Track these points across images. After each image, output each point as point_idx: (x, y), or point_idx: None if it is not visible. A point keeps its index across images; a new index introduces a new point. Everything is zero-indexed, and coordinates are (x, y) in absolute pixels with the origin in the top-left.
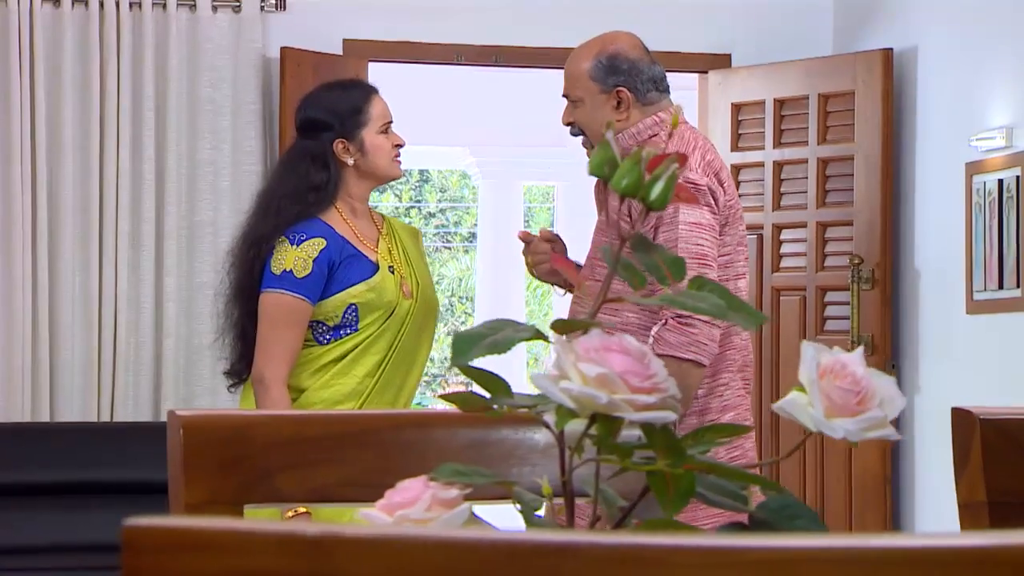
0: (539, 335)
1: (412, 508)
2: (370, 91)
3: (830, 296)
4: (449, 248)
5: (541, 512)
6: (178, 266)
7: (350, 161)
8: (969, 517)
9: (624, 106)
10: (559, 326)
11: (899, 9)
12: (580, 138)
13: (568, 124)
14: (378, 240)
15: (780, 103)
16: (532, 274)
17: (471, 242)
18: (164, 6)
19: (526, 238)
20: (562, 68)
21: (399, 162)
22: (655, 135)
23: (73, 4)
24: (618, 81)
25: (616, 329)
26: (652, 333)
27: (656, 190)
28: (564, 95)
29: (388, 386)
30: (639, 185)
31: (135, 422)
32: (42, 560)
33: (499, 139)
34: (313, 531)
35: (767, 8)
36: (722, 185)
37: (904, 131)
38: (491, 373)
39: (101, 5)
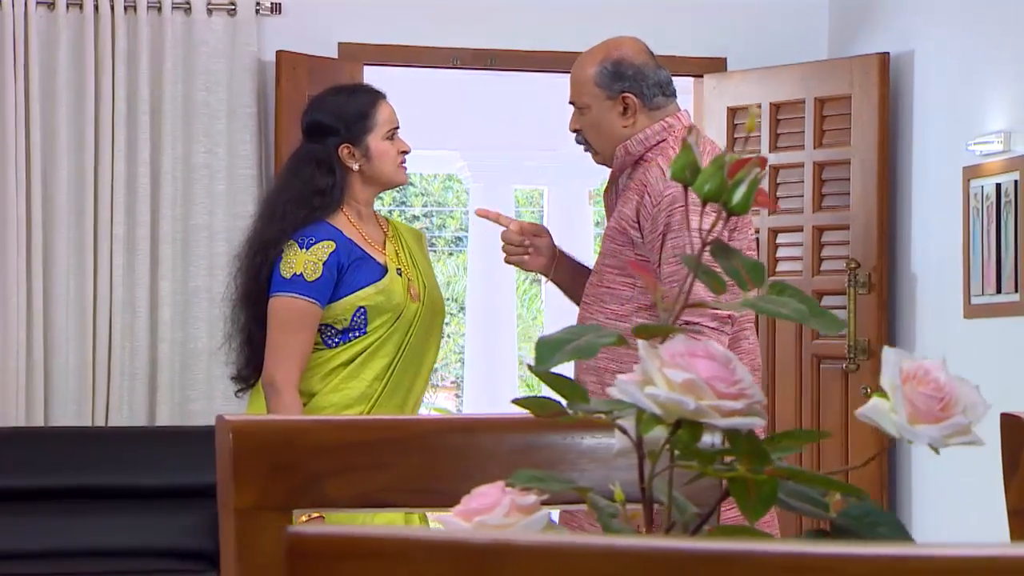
0: (621, 340)
1: (490, 514)
2: (377, 96)
3: (826, 300)
4: (433, 251)
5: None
6: (173, 270)
7: (355, 166)
8: (1019, 524)
9: (630, 112)
10: (641, 332)
11: (895, 14)
12: (584, 145)
13: (575, 131)
14: (384, 243)
15: (776, 107)
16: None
17: (456, 246)
18: (159, 9)
19: (483, 215)
20: (558, 72)
21: (404, 168)
22: (663, 140)
23: (68, 7)
24: (624, 87)
25: (628, 334)
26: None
27: (738, 195)
28: (570, 102)
29: (397, 389)
30: (722, 190)
31: (130, 427)
32: (37, 566)
33: (489, 142)
34: (482, 539)
35: (762, 12)
36: None
37: (900, 135)
38: (568, 379)
39: (96, 8)
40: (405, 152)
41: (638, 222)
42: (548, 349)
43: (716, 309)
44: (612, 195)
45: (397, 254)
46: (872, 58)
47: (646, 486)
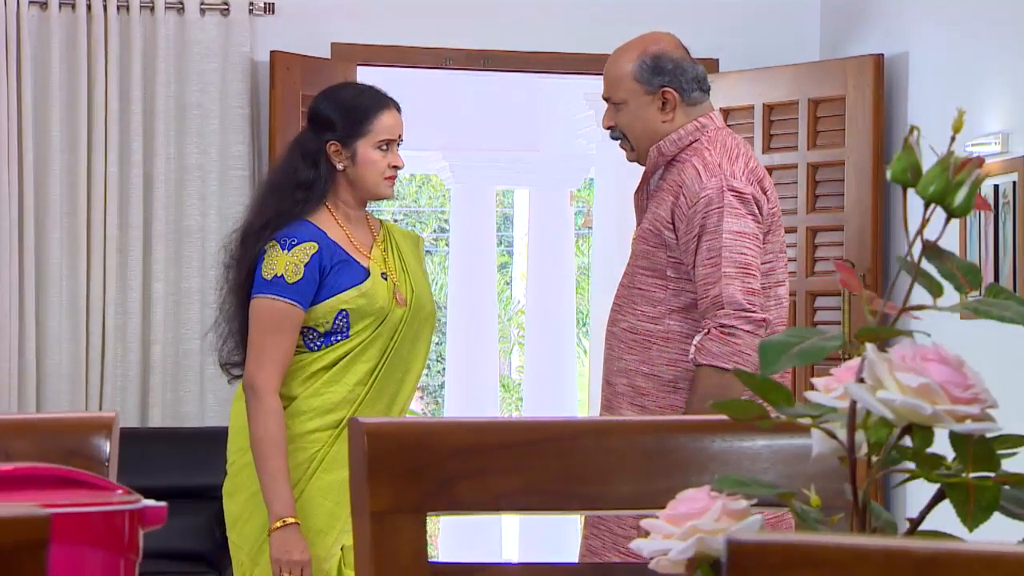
0: (846, 343)
1: (702, 519)
2: (383, 103)
3: (820, 301)
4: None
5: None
6: (166, 272)
7: (340, 166)
8: None
9: (670, 107)
10: (865, 335)
11: (887, 15)
12: (619, 141)
13: (609, 128)
14: (372, 246)
15: (769, 108)
16: None
17: (430, 247)
18: (152, 9)
19: None
20: (551, 72)
21: (390, 182)
22: (696, 140)
23: (60, 6)
24: (663, 81)
25: (659, 338)
26: (694, 342)
27: (960, 196)
28: (605, 98)
29: (381, 395)
30: (947, 191)
31: (122, 428)
32: None
33: (471, 143)
34: (926, 548)
35: (754, 13)
36: (765, 193)
37: (895, 136)
38: (774, 382)
39: (88, 8)
40: (396, 167)
41: (673, 223)
42: (774, 353)
43: (753, 312)
44: (643, 195)
45: (385, 258)
46: (867, 59)
47: (863, 492)
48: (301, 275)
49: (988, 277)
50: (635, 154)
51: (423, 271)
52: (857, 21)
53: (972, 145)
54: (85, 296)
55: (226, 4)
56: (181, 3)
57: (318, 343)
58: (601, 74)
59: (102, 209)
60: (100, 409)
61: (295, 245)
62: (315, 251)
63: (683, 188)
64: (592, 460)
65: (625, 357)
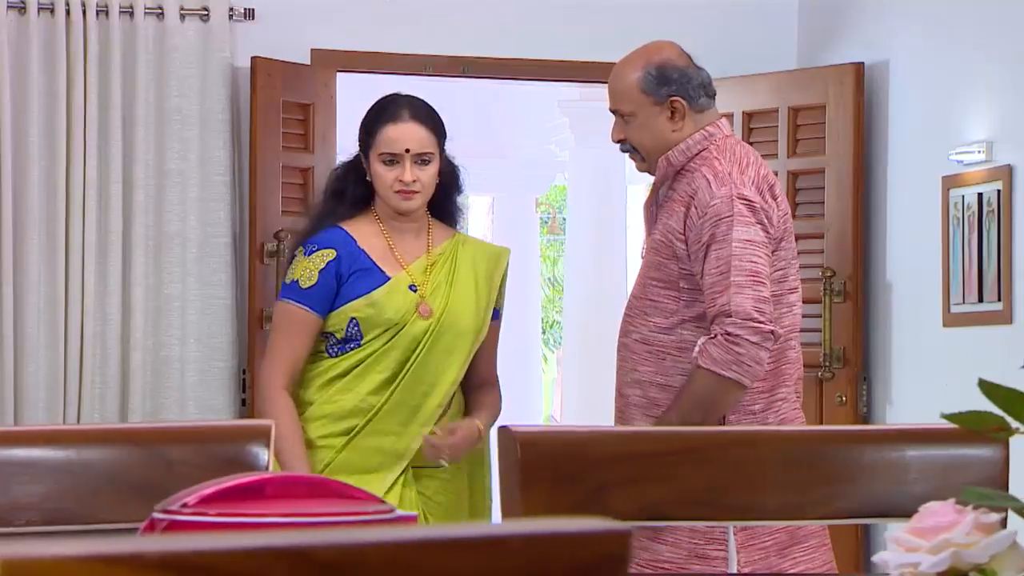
0: None
1: (952, 532)
2: (389, 116)
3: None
4: None
5: None
6: (145, 277)
7: (368, 178)
8: None
9: (679, 115)
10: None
11: (867, 24)
12: (628, 153)
13: (619, 141)
14: (417, 257)
15: (749, 116)
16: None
17: None
18: (131, 14)
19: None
20: (531, 79)
21: (401, 196)
22: (704, 149)
23: (39, 11)
24: (671, 91)
25: (673, 348)
26: (698, 344)
27: None
28: (613, 111)
29: (400, 407)
30: None
31: None
32: None
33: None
34: None
35: (730, 20)
36: (775, 200)
37: (875, 144)
38: (1018, 393)
39: (67, 12)
40: (402, 181)
41: (684, 234)
42: None
43: (761, 324)
44: (652, 207)
45: (429, 271)
46: (847, 68)
47: None
48: (315, 281)
49: (971, 284)
50: (646, 165)
51: (483, 288)
52: (835, 30)
53: (956, 154)
54: (64, 302)
55: (206, 9)
56: (161, 8)
57: (336, 350)
58: (580, 81)
59: (81, 215)
60: (78, 415)
61: (315, 251)
62: (332, 258)
63: (694, 198)
64: (742, 470)
65: (639, 368)
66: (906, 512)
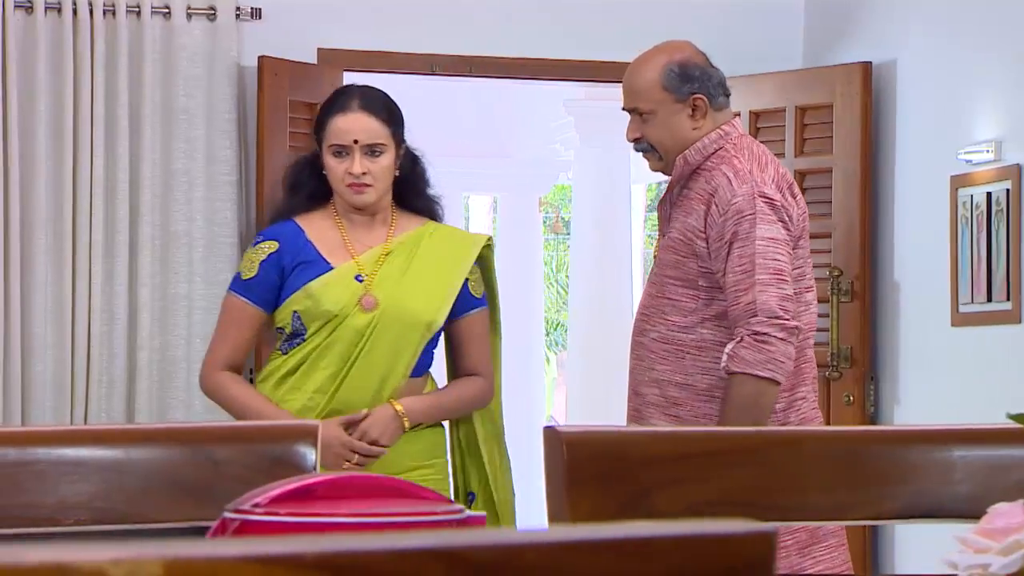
0: None
1: (1023, 533)
2: (339, 107)
3: None
4: None
5: None
6: (152, 277)
7: (324, 171)
8: None
9: (699, 114)
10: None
11: (875, 23)
12: (643, 152)
13: (635, 140)
14: (371, 248)
15: (756, 115)
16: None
17: None
18: (138, 14)
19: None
20: (537, 79)
21: (353, 190)
22: (720, 148)
23: (46, 11)
24: (693, 88)
25: (692, 347)
26: (726, 350)
27: None
28: (630, 109)
29: (350, 405)
30: None
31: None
32: None
33: (440, 149)
34: None
35: (736, 20)
36: (794, 198)
37: (883, 144)
38: None
39: (74, 12)
40: (352, 173)
41: (705, 232)
42: None
43: (786, 320)
44: (667, 206)
45: (380, 262)
46: (854, 67)
47: None
48: (255, 272)
49: (980, 283)
50: (663, 164)
51: (443, 278)
52: (842, 29)
53: (964, 153)
54: (71, 302)
55: (213, 9)
56: (168, 8)
57: (286, 346)
58: (587, 81)
59: (88, 214)
60: (85, 415)
61: (259, 243)
62: (274, 250)
63: (715, 196)
64: (787, 470)
65: (656, 367)
66: (951, 513)
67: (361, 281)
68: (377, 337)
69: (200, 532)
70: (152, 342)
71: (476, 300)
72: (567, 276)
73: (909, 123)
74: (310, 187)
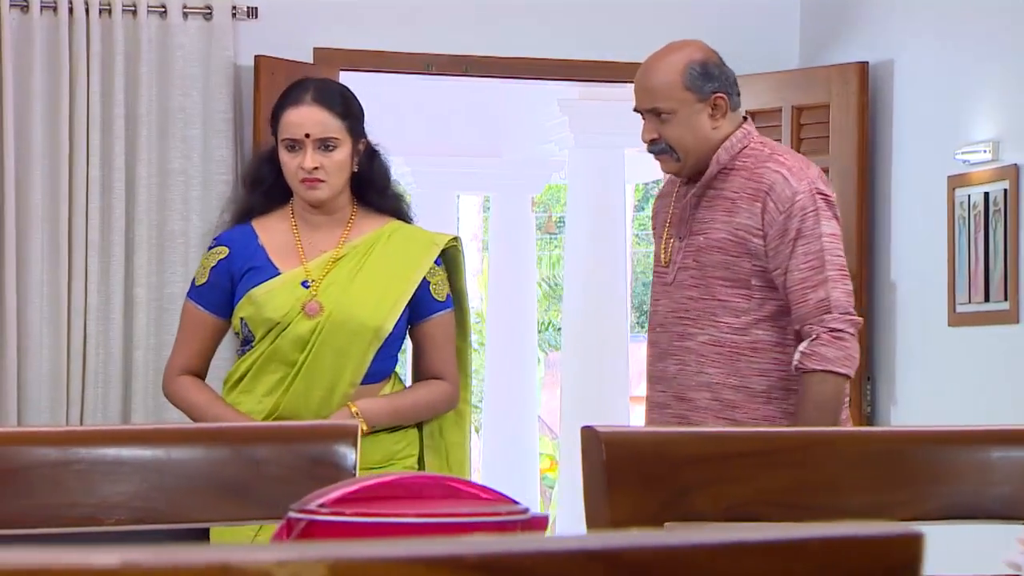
0: None
1: None
2: (291, 100)
3: None
4: None
5: None
6: (148, 277)
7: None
8: None
9: (719, 113)
10: None
11: (871, 23)
12: (659, 154)
13: (651, 140)
14: (324, 253)
15: (752, 115)
16: None
17: None
18: (134, 13)
19: None
20: (533, 78)
21: (306, 185)
22: (746, 146)
23: (42, 10)
24: (715, 87)
25: (747, 349)
26: (802, 348)
27: None
28: (648, 109)
29: (299, 411)
30: None
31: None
32: None
33: (433, 148)
34: None
35: (732, 20)
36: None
37: (880, 144)
38: None
39: (70, 11)
40: (303, 168)
41: (762, 229)
42: None
43: (855, 316)
44: (688, 206)
45: (329, 266)
46: (851, 67)
47: None
48: (207, 279)
49: (977, 283)
50: (680, 165)
51: (398, 281)
52: (838, 29)
53: (962, 153)
54: (67, 301)
55: (209, 8)
56: (164, 7)
57: (241, 351)
58: (583, 80)
59: (84, 214)
60: (81, 415)
61: (213, 247)
62: (223, 256)
63: (771, 194)
64: (825, 471)
65: (707, 371)
66: (990, 514)
67: (307, 287)
68: (322, 344)
69: (201, 534)
70: (148, 341)
71: (438, 303)
72: (556, 275)
73: (906, 123)
74: (268, 183)
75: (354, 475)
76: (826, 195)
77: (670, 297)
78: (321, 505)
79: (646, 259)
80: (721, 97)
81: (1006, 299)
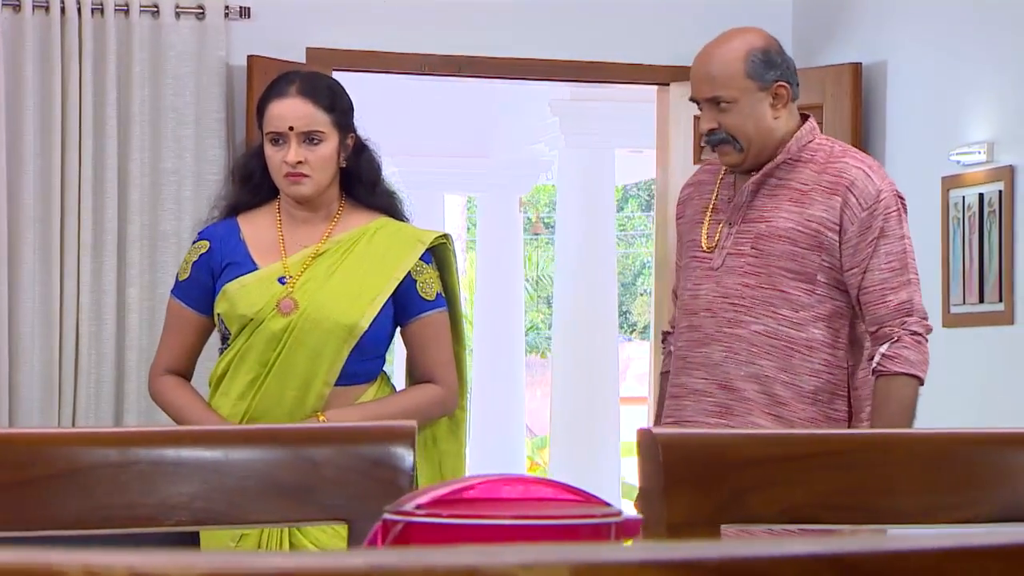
0: None
1: None
2: (275, 92)
3: None
4: None
5: None
6: (140, 276)
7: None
8: None
9: (781, 102)
10: None
11: (864, 25)
12: (721, 145)
13: (711, 131)
14: (304, 248)
15: None
16: None
17: None
18: (127, 12)
19: None
20: (527, 79)
21: (290, 180)
22: (812, 140)
23: (34, 9)
24: (776, 76)
25: (802, 346)
26: (884, 351)
27: None
28: (708, 98)
29: (269, 413)
30: None
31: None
32: None
33: (420, 149)
34: None
35: (724, 21)
36: None
37: (873, 145)
38: None
39: (63, 11)
40: (287, 162)
41: (839, 223)
42: None
43: (928, 322)
44: (745, 193)
45: (308, 262)
46: (844, 68)
47: None
48: (188, 274)
49: (972, 284)
50: (743, 156)
51: (377, 279)
52: (831, 30)
53: (957, 154)
54: (59, 301)
55: (201, 8)
56: (156, 6)
57: (220, 348)
58: (577, 81)
59: (76, 213)
60: (74, 415)
61: (196, 242)
62: (204, 251)
63: (852, 189)
64: (880, 473)
65: (758, 362)
66: None
67: (284, 283)
68: (295, 342)
69: (190, 538)
70: (141, 342)
71: (427, 302)
72: (539, 275)
73: (900, 124)
74: (257, 178)
75: (412, 477)
76: (903, 198)
77: (718, 282)
78: (418, 507)
79: (623, 260)
80: (783, 86)
81: (1001, 300)
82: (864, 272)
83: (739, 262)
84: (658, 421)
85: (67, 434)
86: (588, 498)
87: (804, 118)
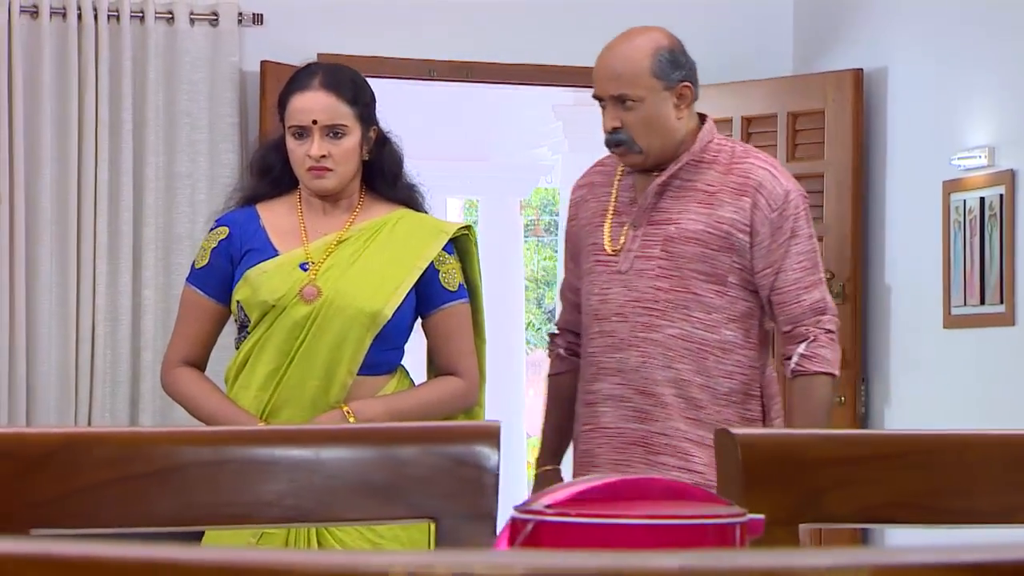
0: None
1: None
2: (297, 86)
3: None
4: None
5: None
6: (155, 278)
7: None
8: None
9: (684, 103)
10: None
11: (865, 30)
12: (620, 146)
13: (614, 129)
14: (325, 235)
15: (748, 121)
16: None
17: None
18: (142, 19)
19: None
20: (533, 84)
21: (313, 174)
22: (711, 140)
23: (51, 16)
24: (682, 76)
25: (716, 348)
26: (801, 351)
27: None
28: (613, 96)
29: (291, 403)
30: None
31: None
32: None
33: (421, 152)
34: None
35: (725, 27)
36: None
37: (875, 149)
38: None
39: (79, 17)
40: (311, 156)
41: (750, 225)
42: None
43: (836, 315)
44: (648, 195)
45: (331, 248)
46: (845, 73)
47: None
48: (207, 261)
49: (973, 287)
50: (643, 157)
51: (400, 268)
52: (832, 36)
53: (957, 159)
54: (75, 303)
55: (215, 14)
56: (171, 13)
57: (238, 339)
58: (582, 87)
59: (92, 217)
60: (89, 416)
61: (214, 229)
62: (224, 237)
63: (760, 190)
64: (956, 474)
65: (675, 366)
66: None
67: (306, 270)
68: (318, 330)
69: (194, 535)
70: (156, 343)
71: (450, 293)
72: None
73: (901, 129)
74: (276, 172)
75: (497, 476)
76: (807, 197)
77: (628, 286)
78: (548, 506)
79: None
80: (687, 86)
81: (1002, 302)
82: (777, 272)
83: (649, 265)
84: (549, 421)
85: (162, 433)
86: (711, 497)
87: (702, 118)
